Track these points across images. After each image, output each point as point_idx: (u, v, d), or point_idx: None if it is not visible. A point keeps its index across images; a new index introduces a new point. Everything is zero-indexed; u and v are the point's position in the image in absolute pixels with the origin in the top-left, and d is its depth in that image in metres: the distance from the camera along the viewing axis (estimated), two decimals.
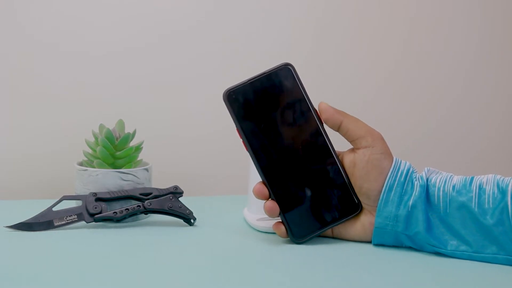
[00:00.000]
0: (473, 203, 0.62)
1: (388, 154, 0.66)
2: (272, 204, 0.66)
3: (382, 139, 0.66)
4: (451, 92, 1.10)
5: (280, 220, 0.67)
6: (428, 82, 1.09)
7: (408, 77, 1.07)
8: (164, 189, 0.74)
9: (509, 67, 1.12)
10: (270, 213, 0.66)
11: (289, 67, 0.67)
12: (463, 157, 1.11)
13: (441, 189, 0.64)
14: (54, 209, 0.71)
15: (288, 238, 0.68)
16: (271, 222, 0.69)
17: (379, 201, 0.65)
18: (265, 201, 0.67)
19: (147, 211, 0.73)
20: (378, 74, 1.06)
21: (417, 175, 0.66)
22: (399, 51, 1.06)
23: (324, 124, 0.68)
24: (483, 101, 1.11)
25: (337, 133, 0.67)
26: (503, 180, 0.63)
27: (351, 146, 0.68)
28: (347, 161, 0.67)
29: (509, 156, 1.13)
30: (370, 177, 0.65)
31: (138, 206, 0.72)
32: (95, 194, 0.72)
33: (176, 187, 0.75)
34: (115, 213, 0.71)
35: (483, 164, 1.12)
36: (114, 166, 0.77)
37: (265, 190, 0.66)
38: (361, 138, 0.66)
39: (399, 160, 0.66)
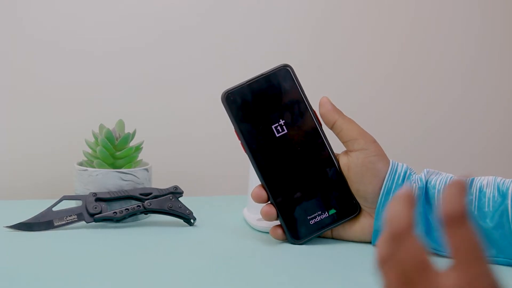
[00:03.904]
0: (473, 206, 0.62)
1: (382, 156, 0.65)
2: (269, 209, 0.66)
3: (375, 141, 0.66)
4: (451, 92, 1.10)
5: (278, 224, 0.67)
6: (427, 82, 1.09)
7: (408, 77, 1.07)
8: (164, 189, 0.74)
9: (509, 67, 1.12)
10: (267, 218, 0.66)
11: (288, 68, 0.67)
12: (463, 157, 1.11)
13: (441, 191, 0.64)
14: (54, 209, 0.71)
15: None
16: (271, 222, 0.69)
17: (377, 205, 0.65)
18: (263, 204, 0.67)
19: (147, 211, 0.73)
20: (377, 74, 1.06)
21: (416, 176, 0.66)
22: (398, 51, 1.06)
23: (323, 124, 0.68)
24: (483, 101, 1.11)
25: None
26: (503, 182, 0.63)
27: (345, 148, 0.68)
28: (341, 164, 0.67)
29: (509, 156, 1.13)
30: (365, 180, 0.65)
31: (138, 206, 0.73)
32: (95, 194, 0.72)
33: (176, 187, 0.75)
34: (115, 213, 0.71)
35: (483, 164, 1.12)
36: (114, 166, 0.77)
37: (263, 194, 0.66)
38: (353, 140, 0.66)
39: (396, 163, 0.66)
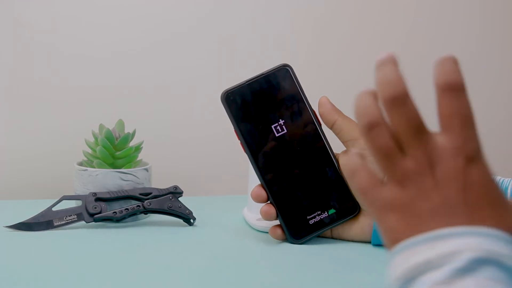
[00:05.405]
0: None
1: None
2: (269, 208, 0.66)
3: None
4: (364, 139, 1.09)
5: (277, 224, 0.67)
6: (428, 82, 1.09)
7: (408, 76, 1.07)
8: (163, 189, 0.74)
9: (509, 67, 1.12)
10: (266, 217, 0.66)
11: (287, 68, 0.67)
12: None
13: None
14: (54, 209, 0.71)
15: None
16: (270, 222, 0.69)
17: None
18: (263, 204, 0.67)
19: (146, 211, 0.73)
20: None
21: None
22: (398, 51, 1.06)
23: (322, 124, 0.68)
24: (483, 100, 1.11)
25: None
26: (502, 181, 0.63)
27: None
28: (341, 164, 0.67)
29: (509, 156, 1.13)
30: None
31: (137, 206, 0.73)
32: (95, 194, 0.72)
33: (175, 187, 0.75)
34: (114, 213, 0.71)
35: None
36: (114, 166, 0.77)
37: (263, 193, 0.66)
38: (353, 140, 0.66)
39: None
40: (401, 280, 0.35)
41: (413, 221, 0.37)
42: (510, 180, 0.63)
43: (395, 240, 0.37)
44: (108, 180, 0.74)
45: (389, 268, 0.37)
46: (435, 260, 0.34)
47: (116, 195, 0.73)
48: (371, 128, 0.38)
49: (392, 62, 0.39)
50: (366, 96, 0.39)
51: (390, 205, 0.38)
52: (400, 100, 0.38)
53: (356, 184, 0.40)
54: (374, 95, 0.39)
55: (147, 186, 0.77)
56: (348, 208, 0.67)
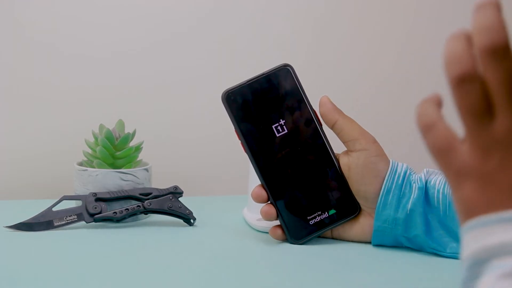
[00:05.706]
0: None
1: (383, 156, 0.65)
2: (269, 208, 0.66)
3: (376, 141, 0.66)
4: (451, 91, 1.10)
5: (277, 224, 0.67)
6: (428, 81, 1.09)
7: (408, 76, 1.07)
8: (164, 189, 0.74)
9: None
10: (267, 217, 0.66)
11: (288, 68, 0.67)
12: None
13: (441, 191, 0.64)
14: (54, 209, 0.71)
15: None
16: (271, 222, 0.69)
17: (377, 205, 0.64)
18: (263, 204, 0.67)
19: (147, 211, 0.73)
20: (377, 74, 1.06)
21: (416, 176, 0.65)
22: (398, 51, 1.06)
23: (323, 124, 0.68)
24: None
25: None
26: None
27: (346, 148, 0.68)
28: (342, 164, 0.67)
29: None
30: (366, 180, 0.65)
31: (138, 206, 0.73)
32: (95, 194, 0.72)
33: (176, 187, 0.75)
34: (115, 213, 0.71)
35: None
36: (114, 166, 0.77)
37: (263, 194, 0.66)
38: (354, 140, 0.65)
39: (396, 163, 0.66)
40: (470, 260, 0.33)
41: (492, 195, 0.33)
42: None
43: (469, 212, 0.34)
44: (108, 180, 0.74)
45: (461, 244, 0.34)
46: (511, 245, 0.31)
47: (116, 195, 0.73)
48: (461, 82, 0.34)
49: (495, 6, 0.32)
50: (459, 41, 0.33)
51: (468, 172, 0.34)
52: (500, 51, 0.32)
53: (430, 142, 0.35)
54: (468, 40, 0.33)
55: (147, 186, 0.77)
56: (349, 208, 0.67)
